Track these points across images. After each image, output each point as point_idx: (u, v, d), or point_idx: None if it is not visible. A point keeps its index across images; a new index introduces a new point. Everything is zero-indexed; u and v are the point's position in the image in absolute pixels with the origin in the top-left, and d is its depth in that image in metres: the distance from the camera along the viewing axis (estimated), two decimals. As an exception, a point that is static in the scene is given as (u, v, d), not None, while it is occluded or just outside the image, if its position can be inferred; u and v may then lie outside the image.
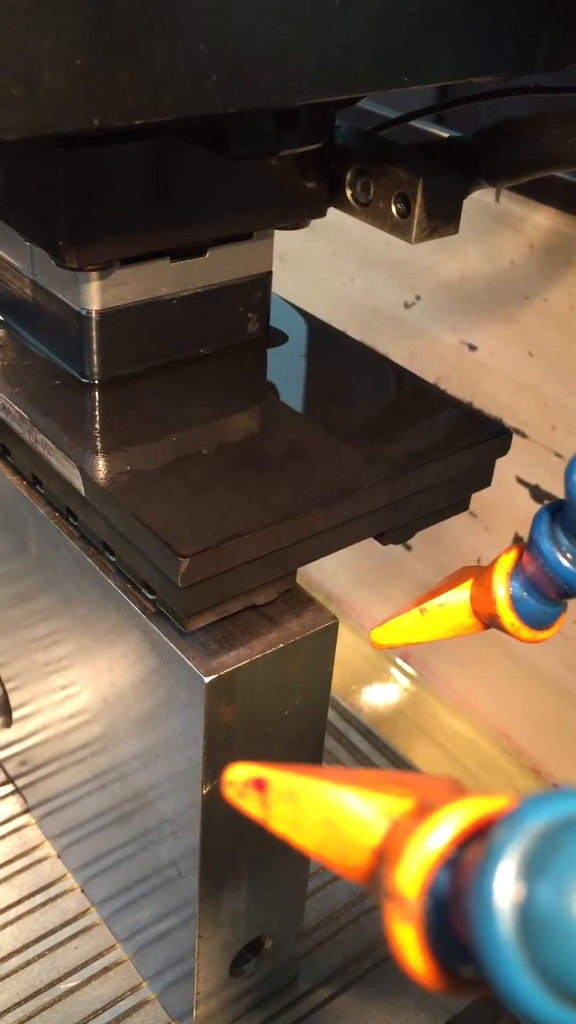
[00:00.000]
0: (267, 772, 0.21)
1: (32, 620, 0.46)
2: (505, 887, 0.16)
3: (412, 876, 0.18)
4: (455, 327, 0.61)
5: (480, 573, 0.33)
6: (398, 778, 0.20)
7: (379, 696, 0.67)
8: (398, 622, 0.34)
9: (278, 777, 0.21)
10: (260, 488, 0.35)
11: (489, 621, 0.33)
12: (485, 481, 0.40)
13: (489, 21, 0.31)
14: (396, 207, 0.37)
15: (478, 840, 0.17)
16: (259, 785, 0.21)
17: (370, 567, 0.70)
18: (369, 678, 0.68)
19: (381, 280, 0.64)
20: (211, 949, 0.41)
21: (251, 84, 0.27)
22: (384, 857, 0.19)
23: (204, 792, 0.36)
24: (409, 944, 0.18)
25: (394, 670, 0.69)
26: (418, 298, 0.63)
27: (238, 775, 0.21)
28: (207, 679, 0.34)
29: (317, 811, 0.20)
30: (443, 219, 0.37)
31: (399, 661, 0.69)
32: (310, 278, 0.68)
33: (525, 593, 0.31)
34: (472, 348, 0.60)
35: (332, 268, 0.67)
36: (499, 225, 0.56)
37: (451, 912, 0.17)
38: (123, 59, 0.25)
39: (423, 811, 0.19)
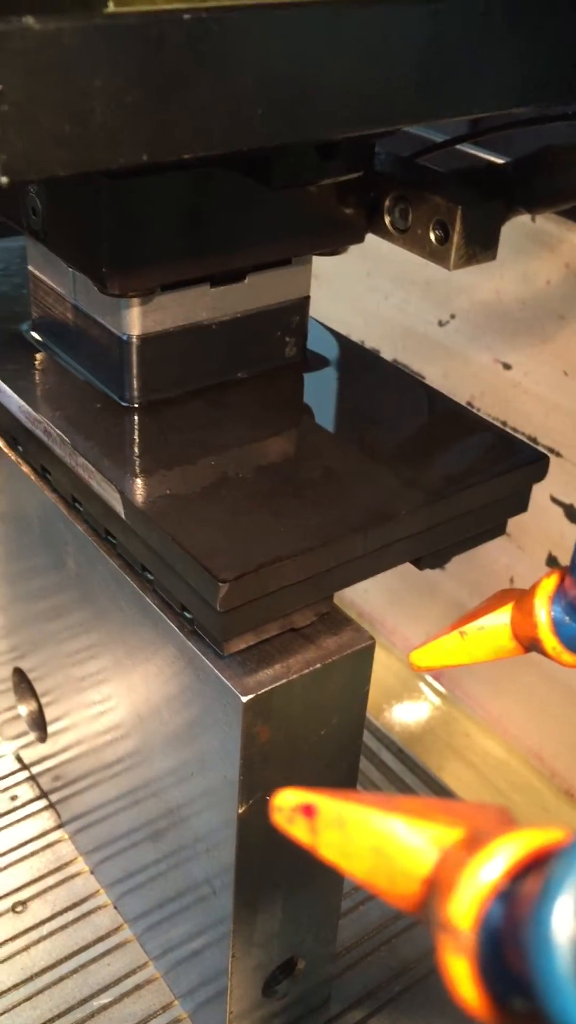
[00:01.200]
0: (316, 798, 0.21)
1: (68, 635, 0.47)
2: (564, 922, 0.16)
3: (465, 908, 0.18)
4: (490, 346, 0.61)
5: (521, 596, 0.33)
6: (447, 807, 0.20)
7: (411, 715, 0.67)
8: (438, 644, 0.34)
9: (327, 803, 0.21)
10: (298, 513, 0.35)
11: (530, 645, 0.33)
12: (521, 506, 0.40)
13: (529, 53, 0.31)
14: (434, 234, 0.37)
15: (533, 873, 0.17)
16: (308, 811, 0.21)
17: (403, 586, 0.70)
18: (401, 697, 0.68)
19: (416, 299, 0.65)
20: (244, 969, 0.42)
21: (295, 118, 0.27)
22: (436, 888, 0.19)
23: (240, 811, 0.36)
24: (462, 976, 0.18)
25: (426, 689, 0.69)
26: (452, 317, 0.63)
27: (286, 801, 0.21)
28: (244, 698, 0.34)
29: (366, 839, 0.20)
30: (481, 245, 0.38)
31: (431, 680, 0.69)
32: (345, 297, 0.68)
33: (567, 617, 0.31)
34: (507, 367, 0.60)
35: (367, 287, 0.67)
36: (535, 245, 0.56)
37: (505, 945, 0.17)
38: (172, 95, 0.25)
39: (474, 842, 0.19)
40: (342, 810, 0.20)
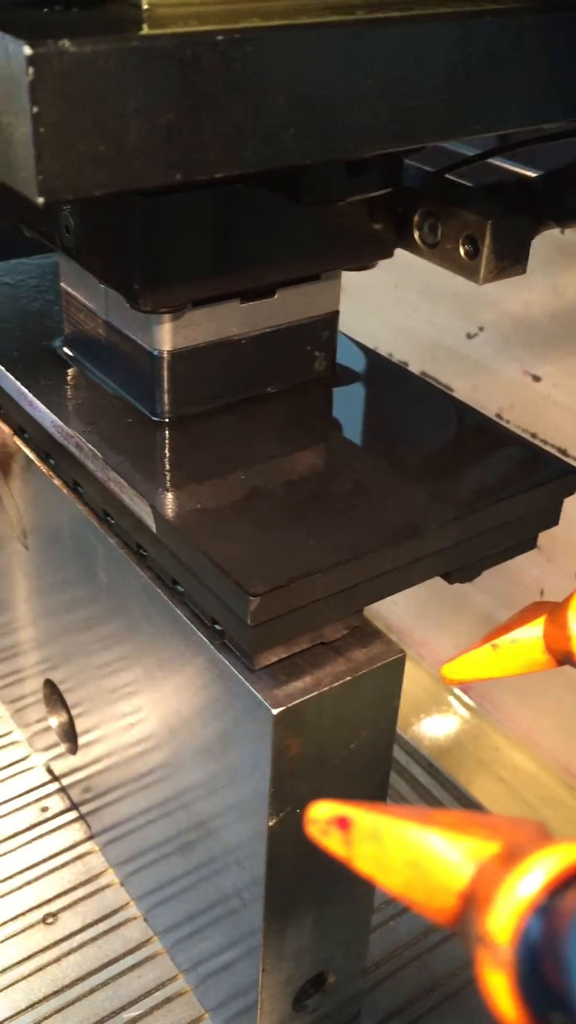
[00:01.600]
0: (351, 811, 0.21)
1: (98, 646, 0.47)
2: None
3: (504, 922, 0.18)
4: (518, 357, 0.61)
5: (553, 609, 0.33)
6: (482, 820, 0.20)
7: (440, 728, 0.67)
8: (469, 658, 0.34)
9: (362, 816, 0.21)
10: (328, 527, 0.35)
11: (563, 658, 0.33)
12: (552, 520, 0.39)
13: (561, 68, 0.31)
14: (464, 248, 0.37)
15: (572, 888, 0.17)
16: (342, 824, 0.21)
17: (431, 597, 0.70)
18: (430, 710, 0.68)
19: (443, 311, 0.65)
20: (274, 983, 0.42)
21: (327, 137, 0.28)
22: (473, 902, 0.19)
23: (270, 824, 0.36)
24: (500, 990, 0.18)
25: (455, 702, 0.69)
26: (481, 329, 0.63)
27: (321, 813, 0.21)
28: (275, 711, 0.34)
29: (402, 852, 0.20)
30: (511, 260, 0.38)
31: (460, 693, 0.69)
32: (372, 309, 0.69)
33: (601, 630, 0.31)
34: (536, 379, 0.60)
35: (394, 299, 0.67)
36: (564, 256, 0.56)
37: (543, 959, 0.17)
38: (206, 115, 0.26)
39: (511, 857, 0.19)
40: (377, 823, 0.20)
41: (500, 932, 0.18)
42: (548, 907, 0.18)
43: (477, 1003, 0.48)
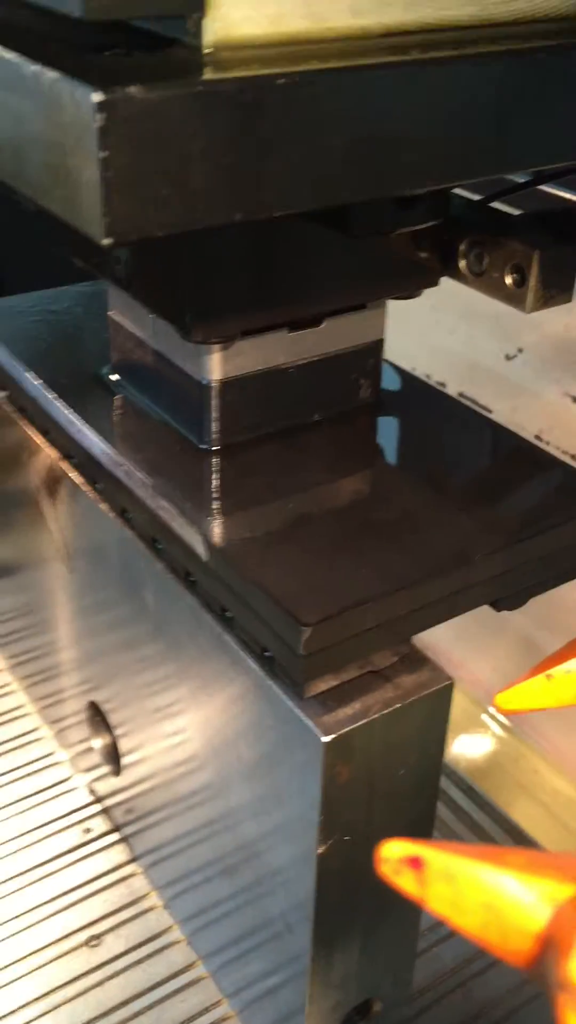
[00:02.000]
0: (423, 850, 0.21)
1: (142, 667, 0.47)
2: None
3: None
4: (559, 379, 0.61)
5: None
6: (556, 861, 0.20)
7: (478, 751, 0.67)
8: (523, 688, 0.34)
9: (435, 856, 0.21)
10: (377, 555, 0.36)
11: None
12: (601, 547, 0.39)
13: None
14: (511, 278, 0.38)
15: None
16: (415, 864, 0.21)
17: (469, 619, 0.70)
18: (468, 732, 0.68)
19: (482, 332, 0.65)
20: (321, 1010, 0.42)
21: (382, 174, 0.28)
22: (552, 946, 0.19)
23: (319, 852, 0.36)
24: None
25: (493, 724, 0.68)
26: (520, 351, 0.63)
27: (394, 852, 0.21)
28: (326, 739, 0.34)
29: (477, 894, 0.20)
30: (558, 288, 0.38)
31: (498, 716, 0.69)
32: (410, 330, 0.69)
33: None
34: None
35: (433, 320, 0.68)
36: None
37: None
38: (266, 157, 0.26)
39: None
40: (450, 863, 0.20)
41: None
42: None
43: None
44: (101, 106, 0.23)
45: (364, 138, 0.27)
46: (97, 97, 0.23)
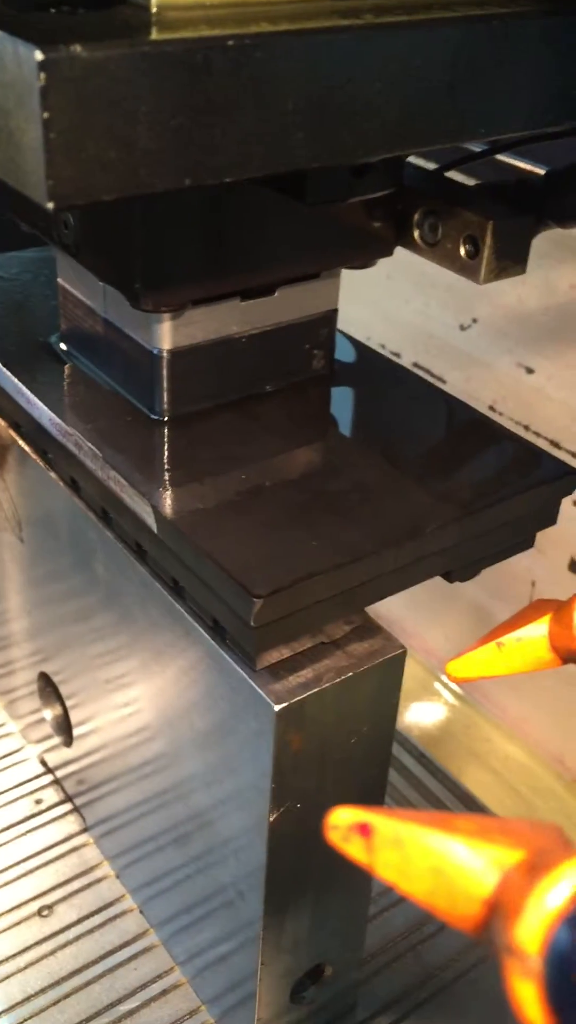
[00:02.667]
0: (372, 817, 0.21)
1: (93, 638, 0.47)
2: None
3: (533, 932, 0.18)
4: (512, 350, 0.61)
5: (559, 608, 0.33)
6: (504, 827, 0.21)
7: (431, 719, 0.67)
8: (474, 656, 0.34)
9: (383, 823, 0.21)
10: (329, 527, 0.36)
11: (568, 657, 0.33)
12: (550, 520, 0.40)
13: (566, 71, 0.31)
14: (464, 248, 0.37)
15: None
16: (364, 830, 0.21)
17: (421, 589, 0.70)
18: (421, 700, 0.68)
19: (437, 303, 0.65)
20: (272, 975, 0.42)
21: (335, 141, 0.28)
22: (499, 911, 0.19)
23: (271, 819, 0.37)
24: (529, 1000, 0.18)
25: (446, 693, 0.69)
26: (474, 321, 0.63)
27: (342, 819, 0.21)
28: (277, 707, 0.34)
29: (425, 859, 0.20)
30: (512, 259, 0.38)
31: (450, 684, 0.69)
32: (365, 299, 0.68)
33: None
34: (529, 371, 0.60)
35: (387, 289, 0.67)
36: (559, 249, 0.56)
37: (573, 969, 0.18)
38: (216, 121, 0.25)
39: (537, 866, 0.19)
40: (399, 829, 0.21)
41: (529, 942, 0.18)
42: None
43: (470, 994, 0.49)
44: (43, 65, 0.22)
45: (316, 103, 0.27)
46: (39, 55, 0.22)
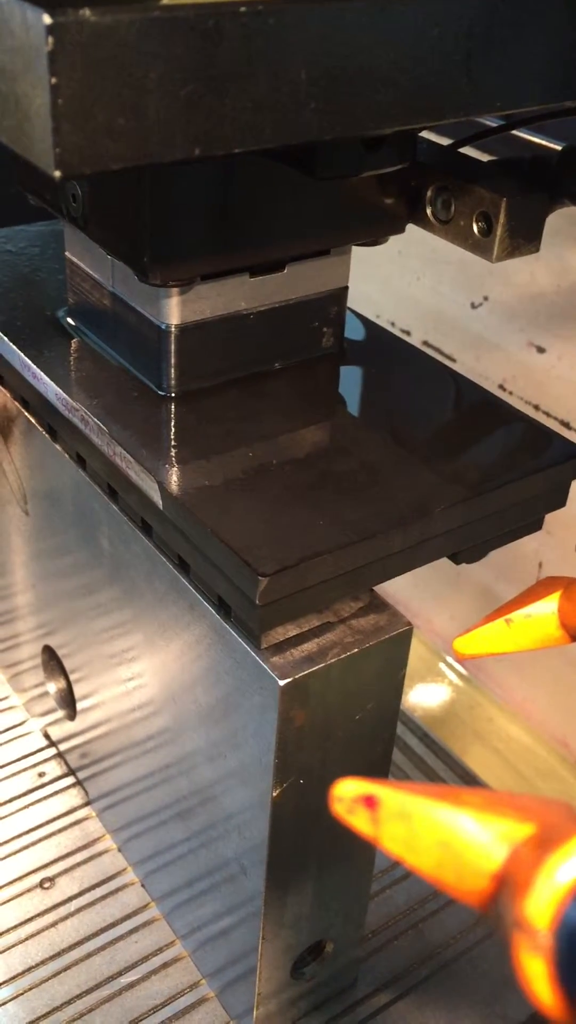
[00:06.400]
0: (378, 789, 0.21)
1: (98, 612, 0.47)
2: None
3: (543, 908, 0.18)
4: (523, 329, 0.60)
5: (569, 585, 0.33)
6: (513, 801, 0.21)
7: (435, 699, 0.67)
8: (482, 632, 0.34)
9: (390, 795, 0.21)
10: (336, 506, 0.35)
11: None
12: (560, 502, 0.39)
13: (585, 44, 0.30)
14: (478, 226, 0.37)
15: None
16: (369, 803, 0.21)
17: (428, 569, 0.70)
18: (425, 680, 0.68)
19: (448, 280, 0.64)
20: (273, 951, 0.42)
21: (348, 112, 0.27)
22: (508, 886, 0.19)
23: (274, 794, 0.37)
24: (538, 975, 0.18)
25: (450, 673, 0.69)
26: (485, 299, 0.62)
27: (347, 791, 0.21)
28: (282, 683, 0.34)
29: (432, 833, 0.20)
30: (525, 238, 0.37)
31: (455, 664, 0.69)
32: (375, 276, 0.68)
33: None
34: (540, 350, 0.60)
35: (398, 266, 0.67)
36: (573, 226, 0.55)
37: None
38: (227, 89, 0.25)
39: (547, 840, 0.19)
40: (406, 802, 0.20)
41: (539, 917, 0.18)
42: None
43: (472, 972, 0.49)
44: (51, 29, 0.22)
45: (329, 72, 0.26)
46: (47, 19, 0.22)
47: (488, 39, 0.28)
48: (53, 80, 0.23)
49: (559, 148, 0.38)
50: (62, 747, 0.58)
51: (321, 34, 0.25)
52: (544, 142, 0.48)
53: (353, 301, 0.44)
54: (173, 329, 0.38)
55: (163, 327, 0.38)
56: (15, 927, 0.50)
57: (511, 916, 0.18)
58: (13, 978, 0.48)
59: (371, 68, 0.27)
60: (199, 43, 0.24)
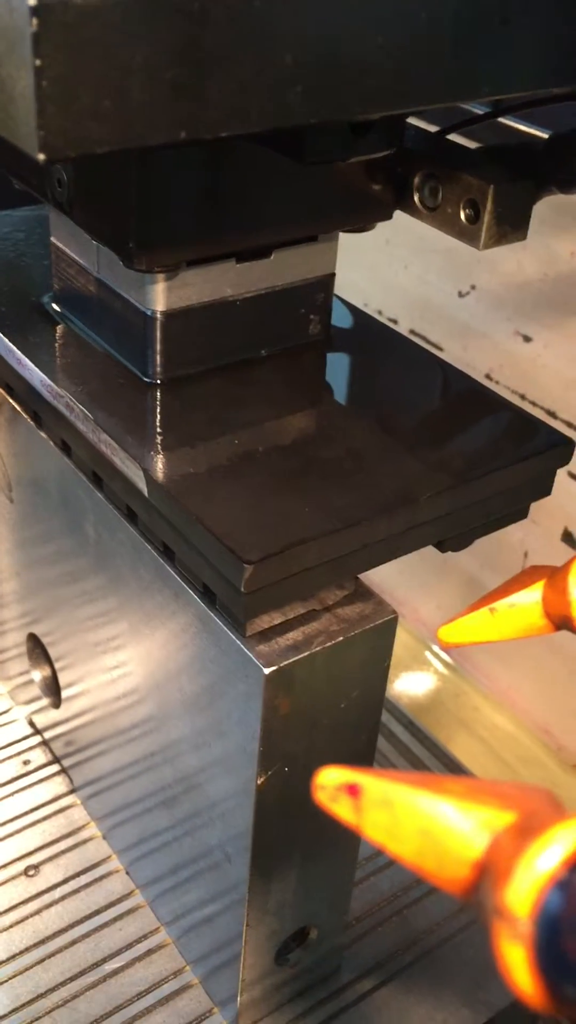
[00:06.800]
0: (361, 777, 0.21)
1: (83, 600, 0.47)
2: None
3: (523, 896, 0.18)
4: (510, 318, 0.60)
5: (553, 574, 0.33)
6: (493, 789, 0.21)
7: (420, 687, 0.68)
8: (466, 621, 0.34)
9: (372, 783, 0.21)
10: (322, 493, 0.35)
11: (561, 623, 0.33)
12: (545, 490, 0.39)
13: (571, 32, 0.30)
14: (465, 213, 0.37)
15: None
16: (352, 790, 0.21)
17: (414, 558, 0.70)
18: (411, 669, 0.68)
19: (435, 268, 0.64)
20: (257, 937, 0.42)
21: (335, 96, 0.27)
22: (489, 874, 0.19)
23: (259, 782, 0.37)
24: (518, 963, 0.18)
25: (435, 661, 0.69)
26: (473, 287, 0.62)
27: (330, 779, 0.21)
28: (267, 671, 0.34)
29: (414, 821, 0.20)
30: (512, 225, 0.37)
31: (440, 652, 0.70)
32: (363, 264, 0.68)
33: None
34: (527, 340, 0.60)
35: (386, 255, 0.67)
36: (560, 215, 0.55)
37: (563, 933, 0.18)
38: (212, 72, 0.25)
39: (527, 828, 0.19)
40: (388, 790, 0.20)
41: (519, 905, 0.18)
42: (568, 881, 0.18)
43: (455, 958, 0.49)
44: (35, 10, 0.22)
45: (315, 56, 0.26)
46: (32, 0, 0.22)
47: (475, 24, 0.28)
48: (37, 62, 0.22)
49: (546, 136, 0.38)
50: (47, 735, 0.58)
51: (307, 17, 0.25)
52: (531, 130, 0.48)
53: (340, 290, 0.44)
54: (159, 315, 0.38)
55: (148, 313, 0.38)
56: (-1, 914, 0.50)
57: (492, 904, 0.18)
58: (-3, 965, 0.48)
59: (358, 52, 0.26)
60: (185, 25, 0.24)
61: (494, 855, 0.19)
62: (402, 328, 0.67)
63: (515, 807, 0.20)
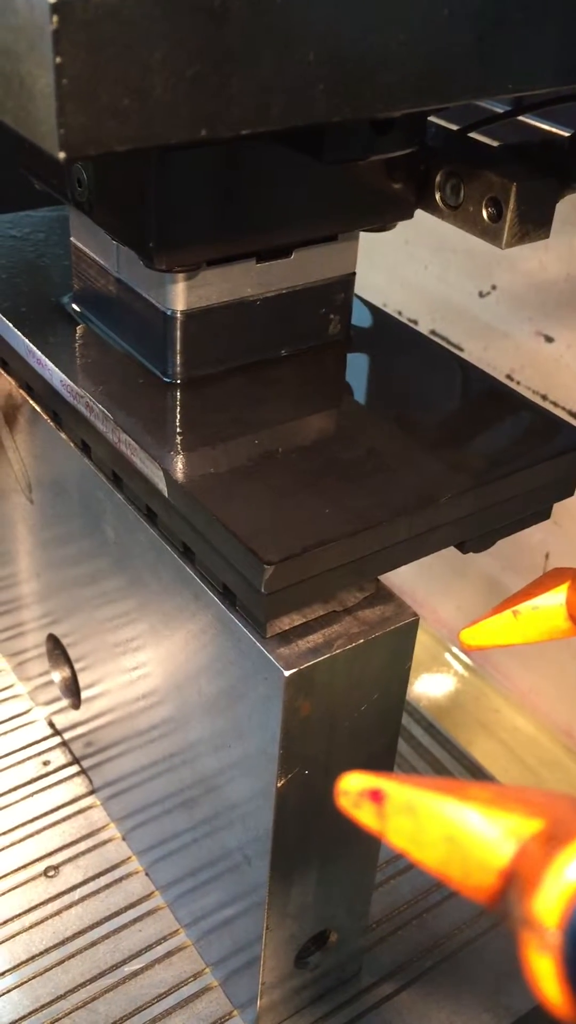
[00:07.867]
0: (384, 783, 0.21)
1: (103, 601, 0.47)
2: None
3: (552, 905, 0.18)
4: (531, 317, 0.60)
5: None
6: (520, 796, 0.20)
7: (440, 689, 0.67)
8: (489, 624, 0.34)
9: (396, 789, 0.20)
10: (342, 494, 0.35)
11: None
12: (568, 491, 0.39)
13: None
14: (487, 211, 0.37)
15: None
16: (375, 796, 0.21)
17: (434, 559, 0.70)
18: (431, 671, 0.68)
19: (455, 268, 0.64)
20: (277, 940, 0.42)
21: (357, 94, 0.27)
22: (516, 883, 0.19)
23: (279, 785, 0.36)
24: (546, 974, 0.18)
25: (456, 663, 0.69)
26: (494, 287, 0.62)
27: (353, 785, 0.21)
28: (287, 673, 0.34)
29: (439, 827, 0.20)
30: (535, 224, 0.37)
31: (461, 655, 0.69)
32: (383, 265, 0.67)
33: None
34: (549, 340, 0.59)
35: (406, 255, 0.66)
36: (581, 216, 0.54)
37: None
38: (233, 70, 0.25)
39: (555, 837, 0.18)
40: (412, 797, 0.20)
41: (548, 915, 0.18)
42: None
43: (475, 963, 0.49)
44: (56, 8, 0.22)
45: (337, 54, 0.26)
46: (52, -3, 0.22)
47: (499, 20, 0.28)
48: (58, 60, 0.22)
49: (568, 134, 0.38)
50: (66, 736, 0.58)
51: (329, 14, 0.25)
52: (554, 128, 0.48)
53: (360, 290, 0.44)
54: (179, 315, 0.38)
55: (168, 313, 0.38)
56: (19, 915, 0.50)
57: (519, 913, 0.18)
58: (17, 966, 0.48)
59: (380, 49, 0.26)
60: (205, 22, 0.24)
61: (521, 863, 0.19)
62: (422, 328, 0.67)
63: (542, 814, 0.19)
